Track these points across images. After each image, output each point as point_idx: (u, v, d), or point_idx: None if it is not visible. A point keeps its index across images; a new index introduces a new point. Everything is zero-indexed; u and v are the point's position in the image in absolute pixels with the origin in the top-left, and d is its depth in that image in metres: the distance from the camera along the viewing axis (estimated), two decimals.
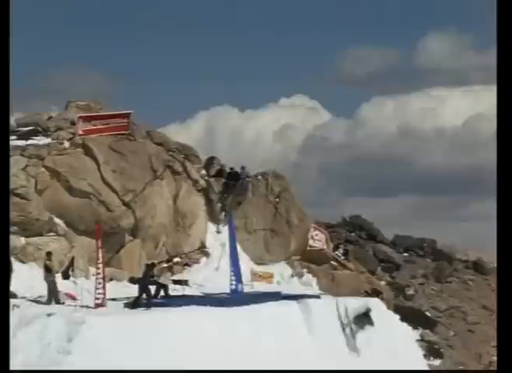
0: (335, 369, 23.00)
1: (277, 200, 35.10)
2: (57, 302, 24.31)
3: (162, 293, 25.40)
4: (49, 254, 25.46)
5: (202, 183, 34.06)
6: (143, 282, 24.20)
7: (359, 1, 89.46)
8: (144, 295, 23.93)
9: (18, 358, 20.48)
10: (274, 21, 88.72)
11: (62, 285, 25.73)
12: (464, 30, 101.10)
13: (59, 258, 27.39)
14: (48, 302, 24.20)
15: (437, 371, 25.85)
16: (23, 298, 24.66)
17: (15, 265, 25.79)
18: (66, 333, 20.87)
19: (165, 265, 25.85)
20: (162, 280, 25.38)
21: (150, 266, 25.06)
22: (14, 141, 30.06)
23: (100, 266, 23.91)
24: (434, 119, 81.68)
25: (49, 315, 21.73)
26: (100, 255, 24.02)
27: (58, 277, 25.90)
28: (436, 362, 30.74)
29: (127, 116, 31.98)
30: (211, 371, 20.60)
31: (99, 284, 23.69)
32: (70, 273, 27.48)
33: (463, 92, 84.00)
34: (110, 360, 20.26)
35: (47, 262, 25.04)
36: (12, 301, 23.41)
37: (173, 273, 27.06)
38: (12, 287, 24.28)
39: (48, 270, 24.70)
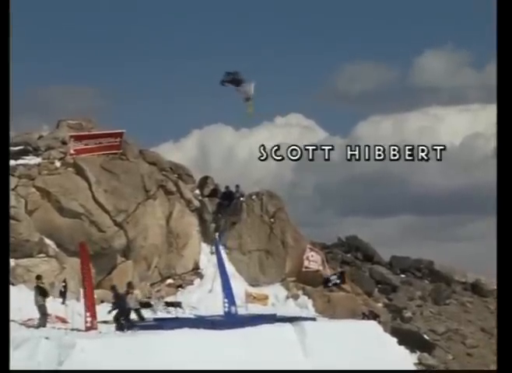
0: None
1: (272, 220, 34.83)
2: (44, 326, 23.81)
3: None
4: (40, 277, 24.97)
5: (196, 202, 33.77)
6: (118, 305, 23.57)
7: (355, 19, 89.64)
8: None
9: None
10: (269, 39, 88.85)
11: (52, 308, 25.26)
12: (461, 48, 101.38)
13: (49, 280, 26.95)
14: (39, 326, 23.65)
15: (438, 370, 25.32)
16: (12, 320, 24.11)
17: None
18: (56, 357, 20.49)
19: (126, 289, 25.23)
20: (132, 305, 24.92)
21: (113, 289, 24.44)
22: None
23: (87, 287, 23.41)
24: (431, 138, 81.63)
25: (39, 338, 21.26)
26: (86, 276, 23.52)
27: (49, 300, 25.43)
28: None
29: (119, 135, 31.67)
30: (211, 371, 20.15)
31: (88, 306, 23.20)
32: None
33: (460, 110, 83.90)
34: None
35: (41, 285, 24.48)
36: None
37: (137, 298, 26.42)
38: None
39: (42, 294, 24.12)
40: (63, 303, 26.20)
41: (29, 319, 24.39)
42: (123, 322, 23.19)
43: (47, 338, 21.21)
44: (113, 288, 24.24)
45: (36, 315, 24.33)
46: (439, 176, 77.36)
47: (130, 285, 25.28)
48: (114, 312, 23.53)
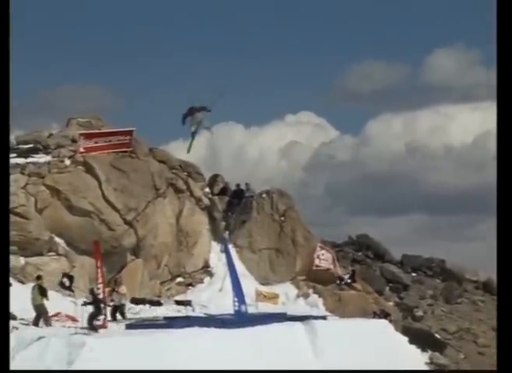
0: None
1: (282, 218, 34.67)
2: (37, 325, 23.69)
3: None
4: (40, 277, 24.93)
5: (206, 201, 33.66)
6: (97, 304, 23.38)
7: (365, 18, 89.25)
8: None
9: None
10: (280, 37, 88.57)
11: (62, 306, 25.21)
12: (472, 46, 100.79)
13: (59, 278, 26.81)
14: (33, 325, 23.50)
15: (438, 370, 25.14)
16: (22, 319, 24.12)
17: (15, 285, 25.34)
18: (66, 356, 20.40)
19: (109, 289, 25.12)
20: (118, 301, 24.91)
21: (91, 291, 24.31)
22: (14, 159, 29.76)
23: (101, 286, 23.32)
24: (442, 136, 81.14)
25: (49, 337, 21.19)
26: (100, 275, 23.44)
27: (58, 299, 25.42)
28: None
29: (129, 133, 31.63)
30: (211, 371, 20.04)
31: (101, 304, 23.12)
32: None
33: (471, 109, 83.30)
34: None
35: (41, 284, 24.39)
36: (11, 322, 22.96)
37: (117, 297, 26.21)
38: (11, 309, 23.80)
39: (42, 293, 24.04)
40: (69, 289, 26.01)
41: None
42: (96, 323, 22.87)
43: (55, 337, 21.14)
44: (91, 291, 24.01)
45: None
46: (450, 175, 77.04)
47: (116, 282, 25.20)
48: (90, 311, 23.21)
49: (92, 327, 22.65)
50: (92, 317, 22.87)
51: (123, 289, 26.33)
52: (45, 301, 24.00)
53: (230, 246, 30.27)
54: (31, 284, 26.71)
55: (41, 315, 23.85)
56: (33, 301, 24.07)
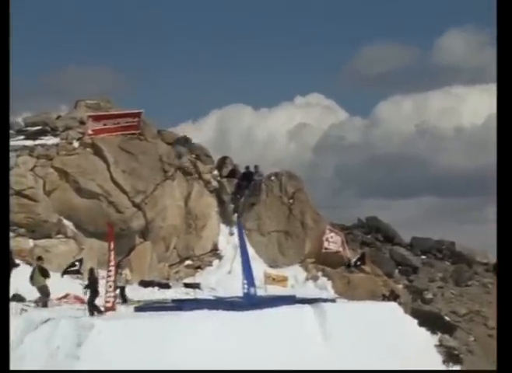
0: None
1: (291, 201, 34.53)
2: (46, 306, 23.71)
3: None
4: (40, 258, 24.91)
5: (214, 183, 33.54)
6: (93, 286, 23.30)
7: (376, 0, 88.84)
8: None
9: (25, 364, 19.98)
10: (289, 19, 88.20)
11: (71, 288, 25.18)
12: (482, 27, 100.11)
13: (68, 261, 26.80)
14: (42, 306, 23.51)
15: (439, 370, 25.07)
16: (31, 301, 24.13)
17: (23, 267, 25.34)
18: (75, 338, 20.35)
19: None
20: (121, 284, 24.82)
21: (91, 271, 24.22)
22: (22, 141, 29.75)
23: (112, 268, 23.26)
24: (453, 118, 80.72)
25: (57, 319, 21.16)
26: (112, 257, 23.37)
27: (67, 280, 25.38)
28: (456, 368, 29.94)
29: (137, 115, 31.50)
30: (211, 371, 20.00)
31: (110, 287, 23.06)
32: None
33: (482, 90, 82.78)
34: (119, 366, 19.68)
35: (42, 266, 24.34)
36: (20, 305, 23.02)
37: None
38: (20, 291, 23.84)
39: (44, 275, 23.99)
40: (78, 272, 25.98)
41: (48, 300, 24.32)
42: (94, 306, 22.81)
43: (64, 319, 21.11)
44: (91, 271, 23.93)
45: (54, 295, 24.31)
46: (460, 156, 76.68)
47: (119, 265, 25.15)
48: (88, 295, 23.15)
49: (94, 309, 22.57)
50: (91, 299, 22.82)
51: (126, 272, 26.28)
52: (48, 282, 23.94)
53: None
54: None
55: (43, 296, 23.74)
56: (36, 282, 23.97)
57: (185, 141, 33.54)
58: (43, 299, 23.81)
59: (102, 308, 22.69)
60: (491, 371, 24.36)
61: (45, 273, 24.06)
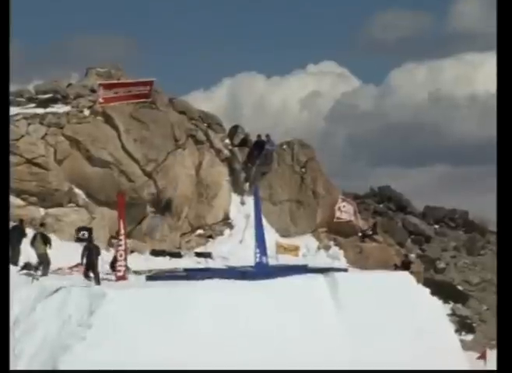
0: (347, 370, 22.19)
1: (303, 170, 34.35)
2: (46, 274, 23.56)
3: None
4: (43, 225, 24.78)
5: (226, 152, 33.35)
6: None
7: None
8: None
9: (37, 332, 20.03)
10: None
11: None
12: None
13: (75, 233, 26.83)
14: (43, 273, 23.40)
15: (438, 371, 25.01)
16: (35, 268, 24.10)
17: None
18: (87, 306, 20.34)
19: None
20: None
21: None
22: (32, 109, 29.60)
23: (122, 237, 23.19)
24: (467, 85, 79.89)
25: (69, 288, 21.17)
26: (122, 226, 23.29)
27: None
28: (468, 337, 29.98)
29: (149, 83, 31.13)
30: (211, 371, 19.96)
31: (121, 256, 23.01)
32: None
33: None
34: (131, 334, 19.76)
35: (43, 232, 24.21)
36: (32, 273, 23.02)
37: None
38: (32, 259, 23.84)
39: (45, 242, 23.87)
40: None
41: (58, 269, 24.32)
42: (90, 276, 22.77)
43: (76, 287, 21.10)
44: (89, 240, 23.73)
45: (65, 263, 24.28)
46: (474, 124, 76.04)
47: (118, 234, 25.15)
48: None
49: (87, 279, 22.50)
50: (85, 269, 22.80)
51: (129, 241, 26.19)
52: (48, 250, 23.84)
53: (251, 198, 30.00)
54: (51, 235, 26.74)
55: (44, 265, 23.60)
56: (36, 249, 23.80)
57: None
58: (44, 268, 23.52)
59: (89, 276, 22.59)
60: (491, 371, 24.31)
61: (46, 241, 23.85)
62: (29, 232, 25.27)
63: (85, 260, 23.09)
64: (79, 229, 26.92)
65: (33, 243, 23.94)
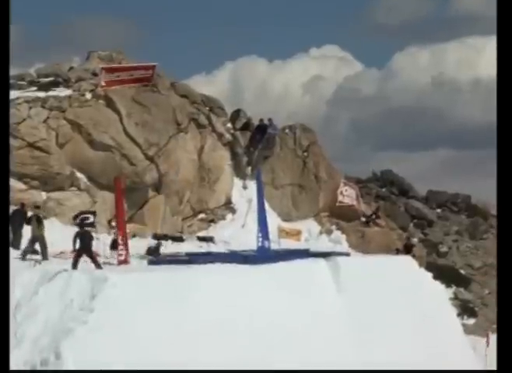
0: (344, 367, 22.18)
1: (305, 154, 34.32)
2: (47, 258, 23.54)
3: None
4: (38, 207, 24.74)
5: (228, 136, 33.31)
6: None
7: None
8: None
9: (39, 316, 20.02)
10: None
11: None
12: None
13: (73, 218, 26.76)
14: (43, 257, 23.37)
15: (439, 371, 25.06)
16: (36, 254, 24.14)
17: None
18: (89, 290, 20.30)
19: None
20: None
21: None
22: (34, 93, 29.57)
23: (119, 221, 23.13)
24: (470, 69, 79.57)
25: (71, 271, 21.18)
26: (121, 211, 23.23)
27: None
28: (471, 321, 30.01)
29: (151, 67, 31.14)
30: (211, 371, 19.96)
31: (122, 240, 22.95)
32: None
33: None
34: (133, 318, 19.70)
35: (39, 214, 24.15)
36: (34, 257, 23.04)
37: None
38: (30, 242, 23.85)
39: (40, 224, 23.79)
40: (91, 225, 25.83)
41: (61, 252, 24.33)
42: (76, 262, 22.52)
43: (78, 271, 21.10)
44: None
45: (67, 247, 24.23)
46: (477, 108, 75.82)
47: (116, 218, 25.06)
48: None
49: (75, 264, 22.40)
50: (76, 254, 22.73)
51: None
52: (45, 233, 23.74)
53: (253, 182, 29.97)
54: (52, 219, 26.78)
55: (41, 248, 23.55)
56: (33, 231, 23.73)
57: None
58: (43, 251, 23.45)
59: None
60: (491, 371, 24.32)
61: (41, 223, 23.82)
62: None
63: (77, 246, 22.86)
64: (79, 214, 26.85)
65: (28, 224, 23.88)
